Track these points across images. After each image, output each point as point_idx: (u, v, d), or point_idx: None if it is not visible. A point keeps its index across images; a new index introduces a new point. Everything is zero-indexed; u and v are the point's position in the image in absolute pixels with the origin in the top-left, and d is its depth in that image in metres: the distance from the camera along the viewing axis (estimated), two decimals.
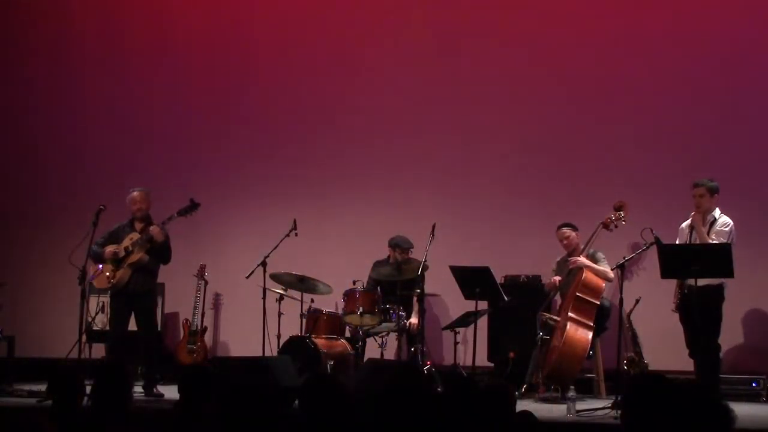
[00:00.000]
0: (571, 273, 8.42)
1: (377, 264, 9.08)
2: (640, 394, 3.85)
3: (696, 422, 3.61)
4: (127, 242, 8.46)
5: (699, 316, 7.49)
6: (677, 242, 7.95)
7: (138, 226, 8.57)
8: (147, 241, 8.44)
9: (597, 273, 8.25)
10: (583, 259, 8.30)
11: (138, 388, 8.27)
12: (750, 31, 9.39)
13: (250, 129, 10.40)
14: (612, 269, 8.07)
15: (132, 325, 8.62)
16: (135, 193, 8.62)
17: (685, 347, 7.94)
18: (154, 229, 8.40)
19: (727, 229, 7.79)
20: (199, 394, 4.59)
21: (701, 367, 7.73)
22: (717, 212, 7.91)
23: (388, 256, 9.14)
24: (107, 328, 9.27)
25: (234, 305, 10.13)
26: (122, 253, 8.42)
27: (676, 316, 7.98)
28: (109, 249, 8.43)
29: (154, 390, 8.35)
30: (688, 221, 7.94)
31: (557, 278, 8.59)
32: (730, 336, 9.04)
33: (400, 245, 9.03)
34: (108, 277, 8.42)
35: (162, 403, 7.82)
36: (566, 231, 8.63)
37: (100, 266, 8.47)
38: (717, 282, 7.68)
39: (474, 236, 9.66)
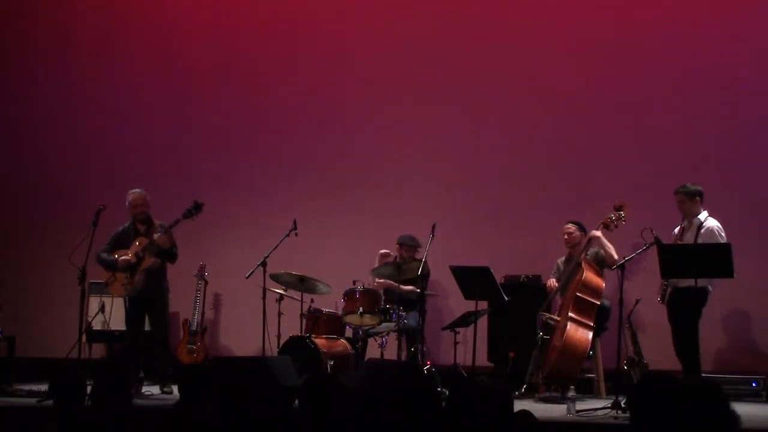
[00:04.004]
0: (571, 273, 8.43)
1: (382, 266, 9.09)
2: (648, 394, 3.85)
3: (700, 422, 3.61)
4: (136, 248, 8.53)
5: (679, 316, 7.61)
6: None
7: (141, 227, 8.64)
8: (156, 245, 8.50)
9: (607, 250, 8.26)
10: (598, 232, 8.31)
11: (154, 389, 8.47)
12: (749, 31, 9.40)
13: (250, 128, 10.41)
14: (612, 269, 8.08)
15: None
16: (133, 196, 8.66)
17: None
18: (159, 238, 8.47)
19: (717, 236, 7.80)
20: (199, 394, 4.59)
21: (684, 367, 7.77)
22: (703, 215, 7.94)
23: (396, 256, 9.16)
24: (107, 328, 9.42)
25: (234, 305, 10.14)
26: (134, 261, 8.48)
27: None
28: (122, 258, 8.49)
29: (165, 388, 8.48)
30: (677, 228, 8.03)
31: (552, 281, 8.61)
32: (730, 336, 9.07)
33: (407, 243, 9.12)
34: (125, 285, 8.50)
35: (161, 402, 7.84)
36: (570, 227, 8.64)
37: (111, 273, 8.53)
38: (703, 284, 7.69)
39: (474, 236, 9.66)
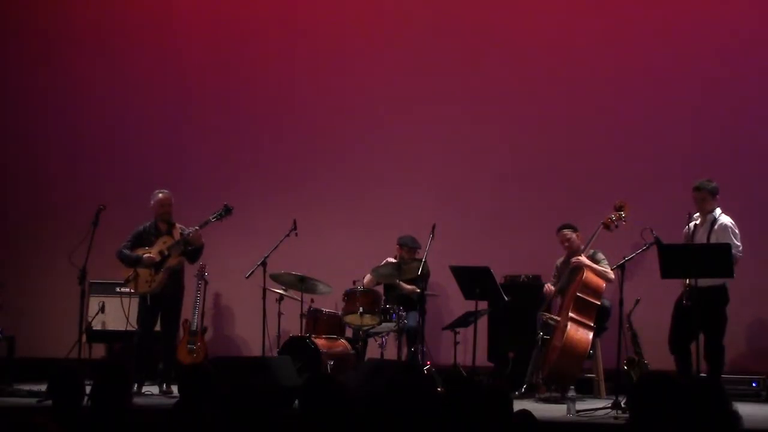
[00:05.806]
0: (572, 273, 8.43)
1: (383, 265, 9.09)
2: (648, 394, 3.85)
3: (699, 422, 3.61)
4: (161, 246, 8.56)
5: (701, 317, 7.50)
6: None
7: (162, 227, 8.66)
8: (184, 244, 8.53)
9: (597, 273, 8.26)
10: (584, 259, 8.32)
11: (154, 389, 8.48)
12: (751, 31, 9.41)
13: (250, 128, 10.41)
14: (612, 269, 8.08)
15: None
16: (162, 196, 8.70)
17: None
18: (195, 234, 8.52)
19: (730, 232, 7.77)
20: (199, 394, 4.58)
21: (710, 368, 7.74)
22: (717, 212, 7.91)
23: (395, 256, 9.16)
24: (107, 328, 9.45)
25: (234, 305, 10.14)
26: (159, 258, 8.50)
27: None
28: (148, 255, 8.51)
29: (165, 387, 8.47)
30: (692, 224, 7.92)
31: (550, 286, 8.59)
32: (730, 336, 9.01)
33: (407, 244, 9.11)
34: (149, 282, 8.50)
35: (161, 402, 7.84)
36: (567, 233, 8.62)
37: (133, 270, 8.52)
38: (720, 282, 7.68)
39: (474, 236, 9.66)
